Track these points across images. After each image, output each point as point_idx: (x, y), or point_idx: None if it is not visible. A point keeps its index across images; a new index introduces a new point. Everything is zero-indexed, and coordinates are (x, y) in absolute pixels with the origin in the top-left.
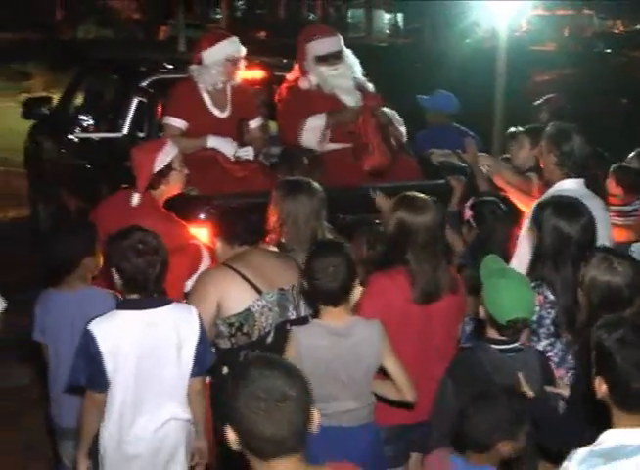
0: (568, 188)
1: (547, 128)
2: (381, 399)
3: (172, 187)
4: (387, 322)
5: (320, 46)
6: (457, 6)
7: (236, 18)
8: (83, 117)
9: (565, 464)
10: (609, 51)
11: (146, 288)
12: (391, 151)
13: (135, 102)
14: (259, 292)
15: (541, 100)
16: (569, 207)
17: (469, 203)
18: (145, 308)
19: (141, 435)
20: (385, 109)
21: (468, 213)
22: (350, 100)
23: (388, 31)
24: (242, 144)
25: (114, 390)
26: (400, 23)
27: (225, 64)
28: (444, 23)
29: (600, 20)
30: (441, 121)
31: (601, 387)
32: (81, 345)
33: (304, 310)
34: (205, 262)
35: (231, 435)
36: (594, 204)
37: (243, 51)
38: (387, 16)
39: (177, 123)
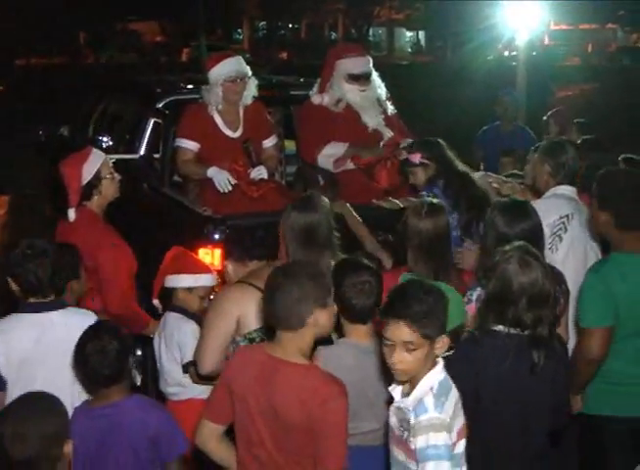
0: (562, 192)
1: (541, 143)
2: None
3: (106, 195)
4: None
5: (352, 65)
6: (479, 23)
7: (258, 39)
8: (102, 139)
9: None
10: (633, 65)
11: (41, 290)
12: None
13: (151, 123)
14: None
15: (549, 114)
16: (514, 208)
17: (408, 148)
18: (37, 312)
19: None
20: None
21: (417, 156)
22: (372, 122)
23: (409, 49)
24: (252, 164)
25: (10, 391)
26: (422, 41)
27: (224, 84)
28: (466, 41)
29: (624, 34)
30: (511, 119)
31: None
32: None
33: None
34: (205, 280)
35: None
36: (582, 209)
37: (243, 71)
38: (408, 34)
39: (189, 145)
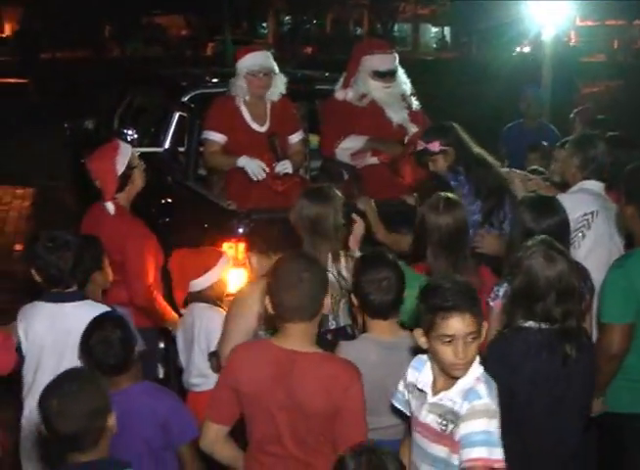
0: (589, 187)
1: (572, 135)
2: None
3: (137, 185)
4: None
5: (379, 62)
6: (504, 18)
7: (283, 33)
8: (127, 132)
9: None
10: None
11: (63, 281)
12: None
13: (176, 117)
14: None
15: (574, 112)
16: (542, 204)
17: (428, 139)
18: (53, 302)
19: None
20: None
21: (436, 144)
22: (397, 118)
23: (434, 45)
24: (277, 159)
25: (25, 376)
26: (447, 37)
27: (247, 77)
28: (492, 36)
29: None
30: (535, 115)
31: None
32: None
33: (343, 320)
34: (221, 268)
35: None
36: (607, 204)
37: (267, 65)
38: (433, 29)
39: (217, 137)
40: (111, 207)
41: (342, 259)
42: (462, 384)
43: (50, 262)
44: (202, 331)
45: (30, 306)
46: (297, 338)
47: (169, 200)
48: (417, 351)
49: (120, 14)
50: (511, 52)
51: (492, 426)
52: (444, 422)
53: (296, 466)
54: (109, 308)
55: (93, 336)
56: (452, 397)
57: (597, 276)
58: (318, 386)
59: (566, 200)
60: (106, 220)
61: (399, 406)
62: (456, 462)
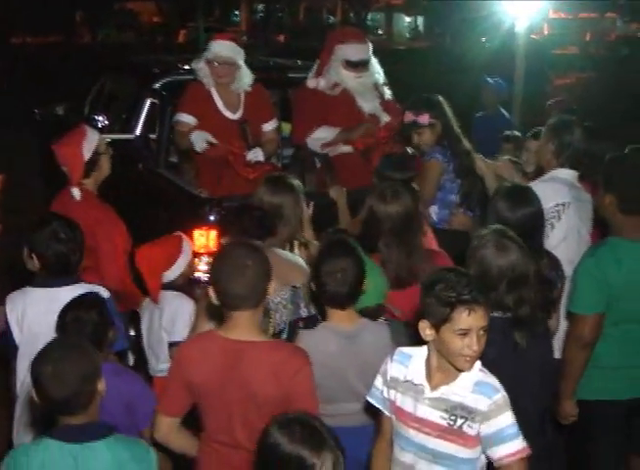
0: (562, 176)
1: (550, 120)
2: None
3: (104, 171)
4: None
5: (352, 51)
6: (477, 9)
7: (256, 21)
8: (98, 118)
9: None
10: (632, 54)
11: (67, 271)
12: None
13: (148, 103)
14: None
15: (550, 102)
16: (517, 194)
17: (417, 111)
18: (47, 286)
19: None
20: None
21: (426, 117)
22: (369, 107)
23: (407, 34)
24: (249, 146)
25: (19, 363)
26: (420, 27)
27: (208, 64)
28: (465, 27)
29: (624, 23)
30: (494, 104)
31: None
32: None
33: (314, 308)
34: (187, 254)
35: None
36: (579, 195)
37: (225, 56)
38: (406, 19)
39: (188, 119)
40: (76, 192)
41: (296, 247)
42: (467, 377)
43: (59, 253)
44: (170, 318)
45: (21, 293)
46: (244, 327)
47: (141, 187)
48: (377, 340)
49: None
50: (484, 43)
51: (514, 417)
52: (452, 417)
53: (248, 456)
54: (104, 289)
55: (68, 314)
56: (457, 391)
57: (566, 268)
58: (268, 374)
59: (539, 188)
60: (74, 206)
61: (376, 404)
62: (464, 456)
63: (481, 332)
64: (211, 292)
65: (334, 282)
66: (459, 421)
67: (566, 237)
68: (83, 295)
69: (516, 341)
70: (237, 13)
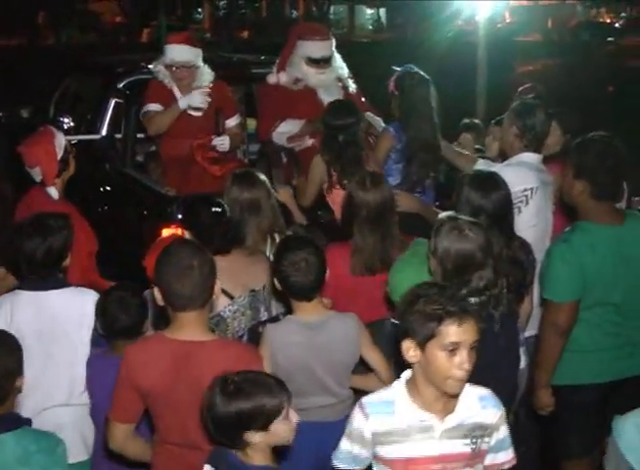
0: (527, 160)
1: (512, 104)
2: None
3: (71, 170)
4: (334, 293)
5: (314, 48)
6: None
7: (218, 18)
8: (63, 120)
9: None
10: (593, 40)
11: (47, 269)
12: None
13: (113, 103)
14: (231, 297)
15: (520, 89)
16: (485, 180)
17: (393, 77)
18: (38, 290)
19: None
20: (368, 113)
21: (392, 85)
22: (331, 100)
23: (370, 27)
24: (218, 134)
25: None
26: (383, 19)
27: (168, 69)
28: (426, 17)
29: (584, 9)
30: None
31: None
32: None
33: (276, 310)
34: None
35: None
36: (545, 179)
37: (181, 60)
38: (369, 11)
39: (155, 107)
40: (54, 191)
41: (277, 239)
42: (468, 395)
43: (36, 250)
44: None
45: (11, 295)
46: (192, 327)
47: (107, 187)
48: (343, 331)
49: (54, 0)
50: (446, 32)
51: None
52: (474, 440)
53: (202, 456)
54: (93, 292)
55: (112, 295)
56: (468, 412)
57: (537, 253)
58: (219, 372)
59: (507, 173)
60: (47, 205)
61: (346, 466)
62: None
63: (472, 347)
64: (157, 293)
65: (298, 272)
66: (479, 442)
67: (533, 222)
68: (124, 282)
69: (490, 326)
70: (199, 10)
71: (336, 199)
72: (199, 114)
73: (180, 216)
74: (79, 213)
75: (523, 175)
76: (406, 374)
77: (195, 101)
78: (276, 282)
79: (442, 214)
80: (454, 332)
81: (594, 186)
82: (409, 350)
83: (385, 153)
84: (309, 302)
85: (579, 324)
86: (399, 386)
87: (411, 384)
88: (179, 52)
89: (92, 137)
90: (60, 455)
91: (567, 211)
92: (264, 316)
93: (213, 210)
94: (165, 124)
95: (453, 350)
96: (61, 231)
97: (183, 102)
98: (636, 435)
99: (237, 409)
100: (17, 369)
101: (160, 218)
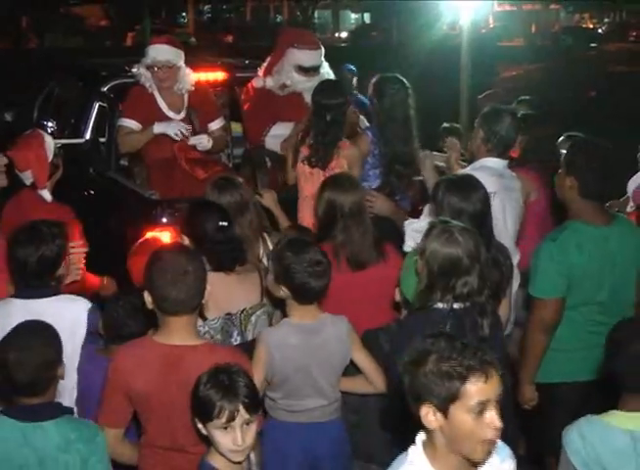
0: (490, 165)
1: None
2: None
3: (59, 172)
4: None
5: (305, 57)
6: (423, 4)
7: (203, 22)
8: (47, 123)
9: None
10: (575, 45)
11: (41, 277)
12: None
13: (97, 107)
14: (204, 318)
15: (481, 96)
16: (460, 183)
17: (373, 80)
18: (30, 298)
19: None
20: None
21: (371, 90)
22: None
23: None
24: (194, 132)
25: None
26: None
27: (150, 70)
28: (411, 22)
29: (567, 14)
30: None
31: None
32: None
33: (252, 334)
34: None
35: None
36: (507, 184)
37: (163, 59)
38: (353, 16)
39: (131, 124)
40: (47, 194)
41: (268, 241)
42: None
43: (29, 258)
44: None
45: (3, 303)
46: (183, 332)
47: (92, 191)
48: (336, 332)
49: (39, 4)
50: (430, 37)
51: None
52: None
53: (190, 459)
54: (85, 300)
55: (122, 301)
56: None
57: None
58: None
59: None
60: (40, 208)
61: None
62: None
63: (498, 401)
64: (147, 297)
65: (315, 277)
66: None
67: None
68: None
69: (480, 331)
70: (184, 14)
71: (300, 176)
72: (179, 117)
73: (178, 220)
74: (74, 214)
75: (483, 180)
76: (421, 437)
77: (170, 131)
78: (282, 289)
79: (436, 220)
80: (481, 389)
81: (582, 183)
82: (428, 415)
83: (362, 155)
84: (312, 304)
85: (564, 323)
86: (417, 454)
87: (429, 450)
88: (161, 51)
89: (76, 141)
90: (98, 444)
91: (561, 217)
92: (236, 341)
93: (220, 224)
94: (138, 146)
95: (481, 410)
96: (55, 240)
97: (158, 128)
98: (580, 442)
99: None
100: (56, 358)
101: (144, 221)
